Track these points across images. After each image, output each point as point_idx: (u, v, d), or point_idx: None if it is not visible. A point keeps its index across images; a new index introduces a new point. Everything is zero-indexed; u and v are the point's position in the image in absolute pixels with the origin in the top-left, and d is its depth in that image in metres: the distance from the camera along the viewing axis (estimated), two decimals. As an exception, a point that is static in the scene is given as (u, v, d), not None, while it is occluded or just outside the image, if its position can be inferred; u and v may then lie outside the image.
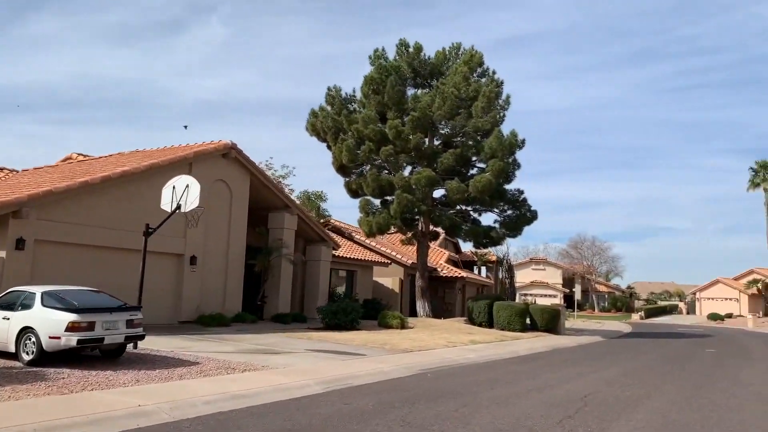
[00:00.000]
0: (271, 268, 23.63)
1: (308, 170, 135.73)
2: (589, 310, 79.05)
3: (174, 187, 13.72)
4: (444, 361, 14.75)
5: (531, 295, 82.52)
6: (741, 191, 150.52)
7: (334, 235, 29.92)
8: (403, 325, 22.64)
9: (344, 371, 11.72)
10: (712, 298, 74.71)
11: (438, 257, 40.65)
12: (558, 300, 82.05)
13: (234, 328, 18.97)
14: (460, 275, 37.48)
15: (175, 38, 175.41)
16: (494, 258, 49.53)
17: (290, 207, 24.70)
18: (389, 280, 32.20)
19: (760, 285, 51.00)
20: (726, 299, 73.19)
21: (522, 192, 30.30)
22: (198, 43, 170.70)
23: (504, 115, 28.26)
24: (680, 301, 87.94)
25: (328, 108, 28.84)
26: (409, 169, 28.72)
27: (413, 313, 29.29)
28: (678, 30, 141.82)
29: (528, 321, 27.27)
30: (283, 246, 23.65)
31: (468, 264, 50.64)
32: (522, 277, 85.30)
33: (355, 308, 21.50)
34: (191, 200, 13.38)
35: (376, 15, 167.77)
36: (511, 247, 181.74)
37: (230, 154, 21.48)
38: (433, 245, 43.19)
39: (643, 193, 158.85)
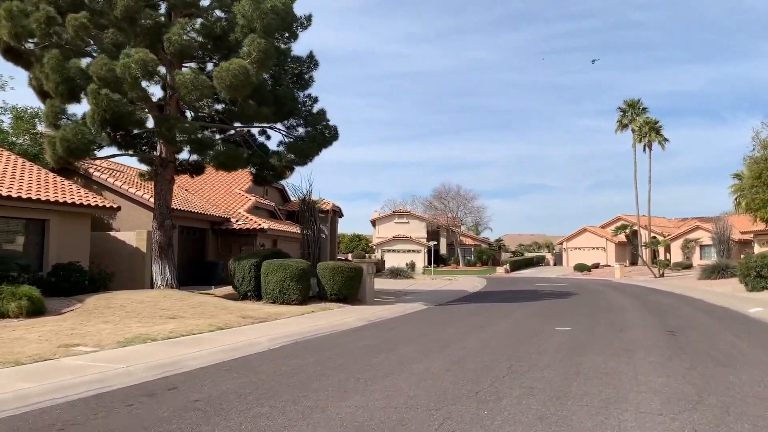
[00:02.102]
0: None
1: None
2: (453, 264, 72.82)
3: None
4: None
5: (394, 250, 75.03)
6: (610, 149, 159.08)
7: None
8: (37, 309, 12.51)
9: None
10: (580, 248, 70.68)
11: (238, 204, 30.63)
12: (422, 255, 75.23)
13: None
14: (260, 227, 27.75)
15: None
16: (329, 206, 40.29)
17: None
18: (133, 236, 21.78)
19: (627, 231, 45.72)
20: (593, 248, 69.34)
21: (315, 100, 20.87)
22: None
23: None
24: (548, 252, 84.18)
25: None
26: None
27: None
28: None
29: (324, 287, 18.20)
30: None
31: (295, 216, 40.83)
32: (385, 231, 77.61)
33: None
34: None
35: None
36: (377, 202, 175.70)
37: None
38: (239, 190, 33.04)
39: (520, 153, 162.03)
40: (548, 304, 20.13)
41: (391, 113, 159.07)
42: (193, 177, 23.29)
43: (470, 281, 39.98)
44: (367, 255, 78.65)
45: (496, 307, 19.47)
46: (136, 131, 18.53)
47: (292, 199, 40.49)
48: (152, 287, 19.11)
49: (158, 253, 19.12)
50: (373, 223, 79.51)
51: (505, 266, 66.26)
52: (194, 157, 20.40)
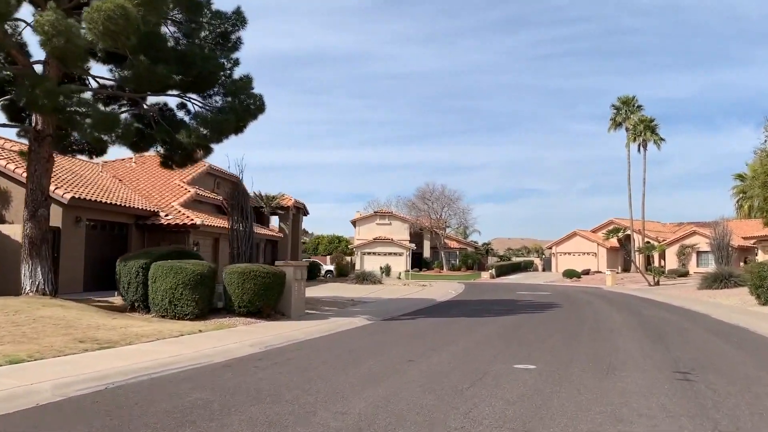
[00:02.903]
0: None
1: None
2: (437, 268, 68.83)
3: None
4: None
5: (374, 253, 70.95)
6: (604, 154, 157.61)
7: None
8: None
9: None
10: (570, 253, 66.88)
11: (173, 196, 26.56)
12: (404, 258, 71.19)
13: None
14: (191, 222, 23.69)
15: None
16: (290, 202, 36.32)
17: None
18: (18, 229, 17.74)
19: (620, 234, 41.84)
20: (584, 254, 65.56)
21: (236, 63, 16.86)
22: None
23: None
24: (538, 257, 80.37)
25: None
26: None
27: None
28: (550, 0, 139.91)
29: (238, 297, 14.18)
30: None
31: (259, 213, 36.73)
32: (366, 232, 73.57)
33: None
34: None
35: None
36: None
37: None
38: (179, 181, 28.90)
39: (514, 156, 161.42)
40: (521, 321, 16.20)
41: (384, 114, 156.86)
42: (92, 158, 19.26)
43: (446, 288, 36.08)
44: (346, 257, 74.62)
45: (455, 323, 15.52)
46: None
47: (255, 194, 36.50)
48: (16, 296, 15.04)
49: (28, 250, 15.10)
50: (354, 223, 75.45)
51: (490, 271, 62.43)
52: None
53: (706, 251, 54.84)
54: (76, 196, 19.79)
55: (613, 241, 51.21)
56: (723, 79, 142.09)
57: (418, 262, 71.80)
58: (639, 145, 60.78)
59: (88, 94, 15.35)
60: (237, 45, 17.46)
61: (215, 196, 30.70)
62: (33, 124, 15.27)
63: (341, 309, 18.29)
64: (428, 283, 43.49)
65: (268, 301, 14.38)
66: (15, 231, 18.18)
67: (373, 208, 77.30)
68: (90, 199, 20.54)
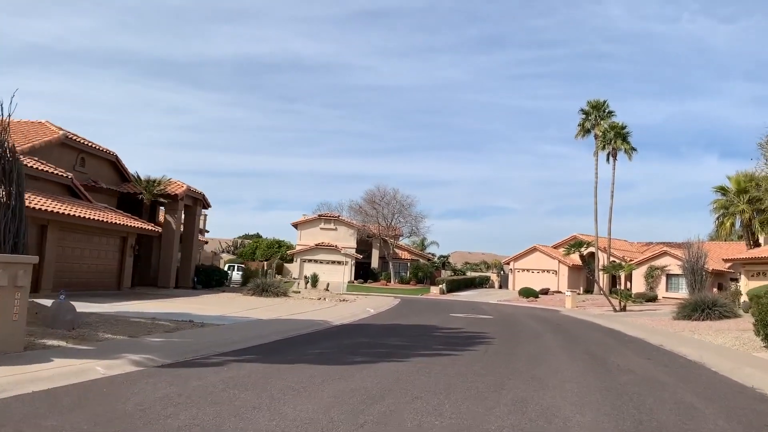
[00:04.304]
0: None
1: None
2: (383, 280, 62.02)
3: None
4: None
5: (315, 261, 63.78)
6: (572, 177, 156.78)
7: None
8: None
9: None
10: (528, 270, 60.81)
11: None
12: (348, 267, 64.27)
13: None
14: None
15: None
16: (180, 189, 29.14)
17: None
18: None
19: (582, 249, 35.53)
20: (544, 271, 59.55)
21: None
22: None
23: None
24: (496, 273, 74.04)
25: None
26: None
27: None
28: (526, 21, 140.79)
29: None
30: None
31: (133, 201, 28.71)
32: (309, 237, 66.41)
33: None
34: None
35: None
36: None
37: None
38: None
39: (483, 174, 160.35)
40: (402, 377, 9.38)
41: (358, 125, 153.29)
42: None
43: (372, 303, 29.34)
44: (286, 264, 67.23)
45: (272, 379, 8.65)
46: None
47: (134, 177, 29.20)
48: None
49: None
50: (296, 226, 68.20)
51: (440, 286, 55.83)
52: None
53: (677, 274, 49.18)
54: None
55: (576, 258, 45.12)
56: (690, 109, 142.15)
57: (365, 273, 64.89)
58: (608, 154, 55.02)
59: None
60: None
61: (61, 173, 23.29)
62: None
63: (130, 339, 11.25)
64: (357, 297, 36.66)
65: None
66: None
67: (322, 211, 69.84)
68: None
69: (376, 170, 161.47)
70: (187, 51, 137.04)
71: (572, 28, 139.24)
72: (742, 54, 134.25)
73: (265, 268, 45.42)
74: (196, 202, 30.71)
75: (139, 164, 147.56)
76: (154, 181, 27.41)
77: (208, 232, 72.80)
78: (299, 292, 34.10)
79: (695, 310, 25.75)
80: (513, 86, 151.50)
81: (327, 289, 40.36)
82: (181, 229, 30.02)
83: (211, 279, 30.71)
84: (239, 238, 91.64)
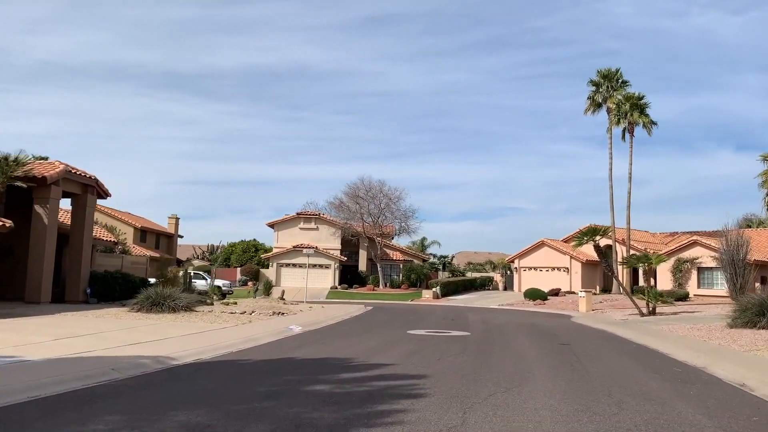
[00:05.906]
0: None
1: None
2: (371, 285, 54.65)
3: None
4: None
5: (293, 265, 56.51)
6: (583, 175, 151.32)
7: None
8: None
9: None
10: (536, 268, 53.16)
11: None
12: (331, 271, 56.94)
13: None
14: None
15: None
16: (54, 170, 21.91)
17: None
18: None
19: (597, 238, 27.80)
20: (553, 269, 51.91)
21: None
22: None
23: None
24: (498, 273, 66.20)
25: None
26: None
27: None
28: (530, 21, 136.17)
29: None
30: None
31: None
32: (287, 239, 59.13)
33: None
34: None
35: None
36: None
37: None
38: None
39: (496, 176, 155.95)
40: None
41: (366, 131, 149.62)
42: None
43: (320, 316, 22.11)
44: (262, 270, 60.08)
45: None
46: None
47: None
48: None
49: None
50: (273, 227, 60.90)
51: (434, 290, 48.31)
52: None
53: (712, 267, 41.47)
54: None
55: (590, 252, 37.46)
56: (702, 104, 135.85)
57: (353, 277, 57.56)
58: (623, 130, 47.32)
59: None
60: None
61: None
62: None
63: None
64: (324, 306, 29.41)
65: None
66: None
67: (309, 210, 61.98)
68: None
69: (386, 175, 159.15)
70: (195, 63, 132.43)
71: (578, 26, 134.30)
72: (753, 46, 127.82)
73: (194, 273, 38.01)
74: (86, 190, 23.44)
75: (152, 178, 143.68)
76: (16, 160, 20.25)
77: (182, 237, 65.91)
78: (236, 303, 26.81)
79: (761, 314, 18.23)
80: (521, 87, 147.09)
81: (282, 298, 32.94)
82: (84, 227, 22.81)
83: (112, 290, 23.48)
84: (224, 244, 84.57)
